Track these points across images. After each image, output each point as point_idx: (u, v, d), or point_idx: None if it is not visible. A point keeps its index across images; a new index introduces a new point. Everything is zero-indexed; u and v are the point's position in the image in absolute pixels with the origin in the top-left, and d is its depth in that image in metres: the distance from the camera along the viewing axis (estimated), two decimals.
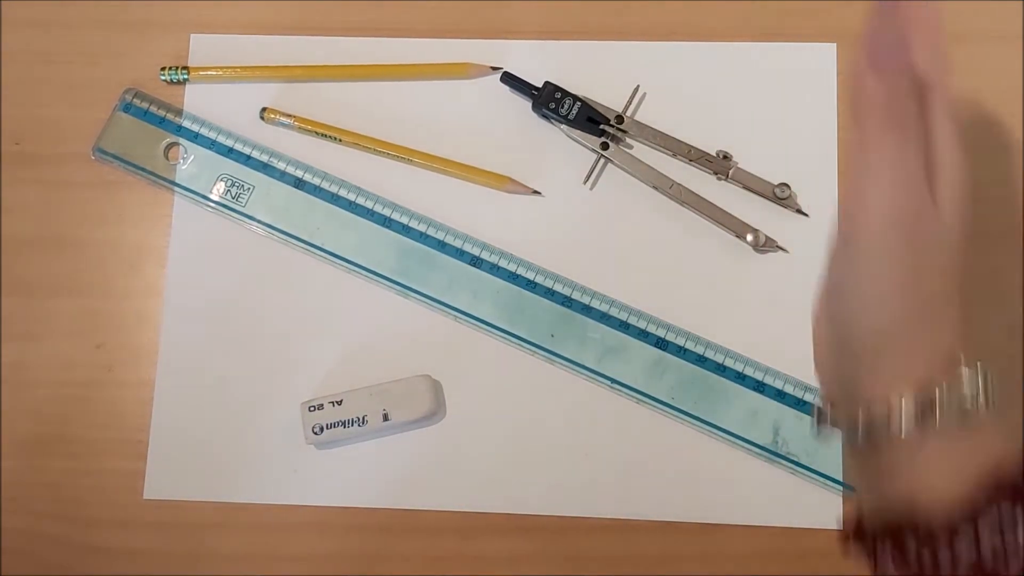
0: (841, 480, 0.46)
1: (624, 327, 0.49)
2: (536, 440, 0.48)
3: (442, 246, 0.50)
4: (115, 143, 0.52)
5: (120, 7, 0.54)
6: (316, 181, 0.51)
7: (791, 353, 0.48)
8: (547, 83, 0.50)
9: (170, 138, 0.52)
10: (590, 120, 0.50)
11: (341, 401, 0.48)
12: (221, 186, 0.51)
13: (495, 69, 0.51)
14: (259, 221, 0.51)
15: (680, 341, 0.48)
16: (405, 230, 0.50)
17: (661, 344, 0.48)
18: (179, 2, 0.54)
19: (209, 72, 0.52)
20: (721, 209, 0.49)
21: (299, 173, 0.51)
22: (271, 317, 0.50)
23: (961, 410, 0.32)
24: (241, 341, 0.50)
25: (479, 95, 0.52)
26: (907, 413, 0.32)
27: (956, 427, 0.32)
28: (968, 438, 0.32)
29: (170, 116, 0.52)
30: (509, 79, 0.51)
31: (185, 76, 0.52)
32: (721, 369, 0.48)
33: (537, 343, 0.49)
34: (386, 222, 0.50)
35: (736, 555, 0.47)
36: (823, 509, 0.47)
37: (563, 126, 0.50)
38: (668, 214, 0.50)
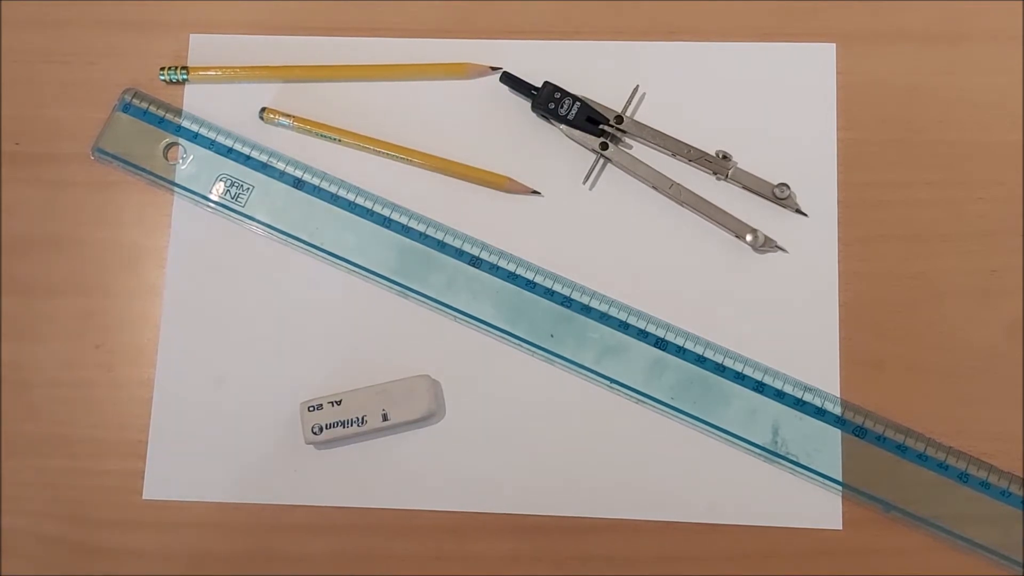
0: (840, 480, 0.46)
1: (623, 327, 0.49)
2: (535, 440, 0.48)
3: (441, 246, 0.50)
4: (114, 143, 0.52)
5: (120, 7, 0.54)
6: (315, 181, 0.51)
7: (791, 353, 0.48)
8: (546, 83, 0.50)
9: (169, 138, 0.52)
10: (589, 120, 0.50)
11: (340, 401, 0.48)
12: (220, 186, 0.51)
13: (494, 69, 0.51)
14: (258, 221, 0.51)
15: (679, 341, 0.48)
16: (404, 230, 0.50)
17: (661, 344, 0.48)
18: (179, 2, 0.54)
19: (208, 72, 0.52)
20: (721, 209, 0.49)
21: (298, 173, 0.51)
22: (270, 317, 0.50)
23: None
24: (240, 341, 0.50)
25: (478, 95, 0.52)
26: None
27: None
28: None
29: (169, 116, 0.52)
30: (508, 79, 0.51)
31: (184, 76, 0.52)
32: (720, 369, 0.48)
33: (536, 343, 0.49)
34: (386, 222, 0.50)
35: (735, 555, 0.47)
36: (822, 509, 0.47)
37: (562, 126, 0.50)
38: (668, 214, 0.50)
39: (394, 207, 0.51)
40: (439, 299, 0.49)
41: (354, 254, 0.50)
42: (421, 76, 0.52)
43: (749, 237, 0.49)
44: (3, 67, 0.53)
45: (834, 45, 0.51)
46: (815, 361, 0.48)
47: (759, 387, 0.47)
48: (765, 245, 0.49)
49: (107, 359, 0.51)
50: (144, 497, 0.49)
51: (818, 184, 0.50)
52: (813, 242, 0.49)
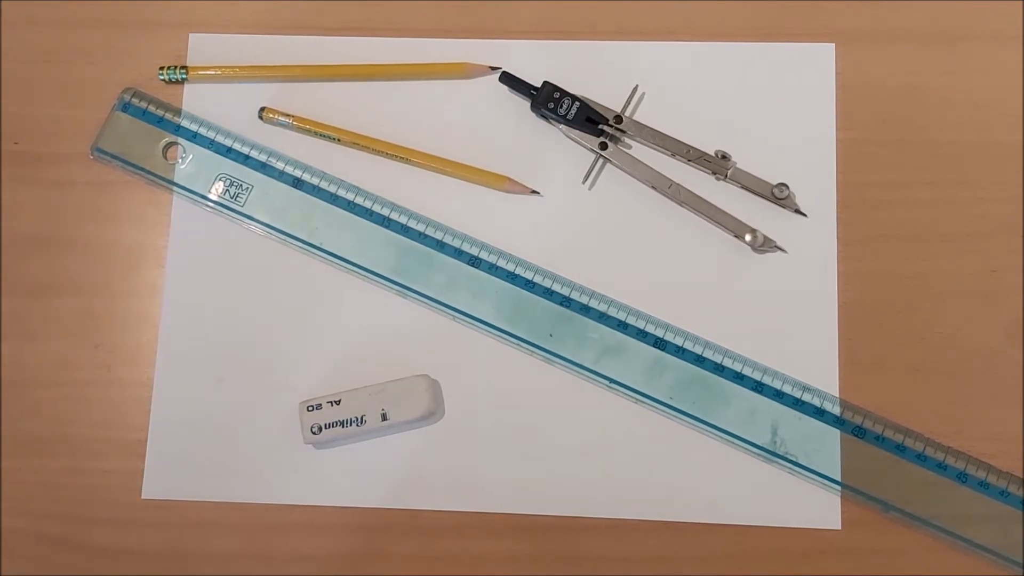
0: (839, 480, 0.46)
1: (623, 327, 0.48)
2: (535, 440, 0.48)
3: (441, 246, 0.50)
4: (114, 143, 0.52)
5: (119, 7, 0.54)
6: (315, 181, 0.51)
7: (790, 353, 0.48)
8: (546, 83, 0.50)
9: (169, 137, 0.52)
10: (589, 120, 0.50)
11: (339, 401, 0.48)
12: (220, 186, 0.51)
13: (494, 69, 0.51)
14: (258, 221, 0.51)
15: (679, 341, 0.48)
16: (404, 230, 0.50)
17: (660, 344, 0.48)
18: (178, 2, 0.54)
19: (208, 72, 0.52)
20: (720, 209, 0.49)
21: (298, 173, 0.51)
22: (270, 317, 0.50)
23: None
24: (240, 341, 0.50)
25: (478, 95, 0.52)
26: None
27: None
28: None
29: (169, 116, 0.52)
30: (508, 79, 0.51)
31: (184, 75, 0.52)
32: (720, 369, 0.48)
33: (536, 343, 0.49)
34: (385, 222, 0.50)
35: (735, 555, 0.47)
36: (821, 509, 0.47)
37: (562, 126, 0.50)
38: (667, 214, 0.50)
39: (393, 207, 0.51)
40: (439, 299, 0.49)
41: (353, 254, 0.50)
42: (421, 76, 0.52)
43: (748, 237, 0.49)
44: (3, 67, 0.53)
45: (833, 45, 0.51)
46: (814, 361, 0.48)
47: (758, 387, 0.47)
48: (764, 245, 0.49)
49: (107, 359, 0.51)
50: (143, 497, 0.49)
51: (818, 184, 0.50)
52: (813, 242, 0.49)
